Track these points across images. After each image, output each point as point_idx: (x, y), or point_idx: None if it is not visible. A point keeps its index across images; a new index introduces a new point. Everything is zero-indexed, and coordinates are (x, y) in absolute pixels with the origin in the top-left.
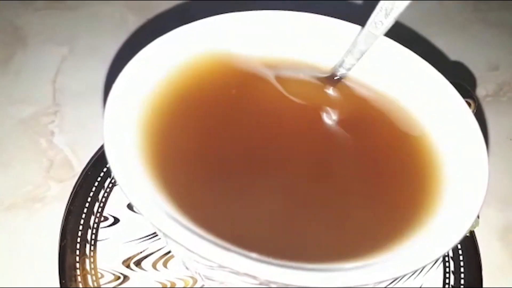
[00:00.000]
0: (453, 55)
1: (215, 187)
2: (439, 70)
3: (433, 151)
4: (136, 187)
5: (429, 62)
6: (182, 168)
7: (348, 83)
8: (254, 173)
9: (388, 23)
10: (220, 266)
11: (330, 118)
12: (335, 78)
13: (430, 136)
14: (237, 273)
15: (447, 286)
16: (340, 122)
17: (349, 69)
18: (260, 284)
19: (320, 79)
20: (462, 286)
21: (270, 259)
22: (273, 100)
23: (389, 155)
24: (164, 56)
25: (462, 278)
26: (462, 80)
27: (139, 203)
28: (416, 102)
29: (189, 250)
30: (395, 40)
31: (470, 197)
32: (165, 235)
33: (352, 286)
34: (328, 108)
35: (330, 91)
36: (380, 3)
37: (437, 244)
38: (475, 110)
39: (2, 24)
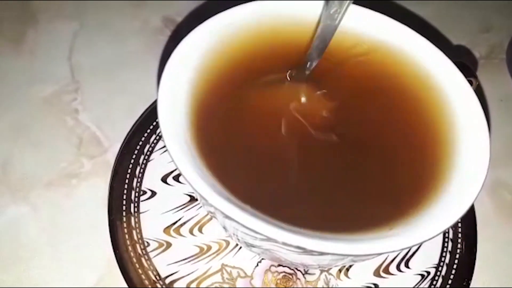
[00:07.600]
0: (446, 18)
1: (251, 159)
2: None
3: (440, 130)
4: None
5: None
6: (225, 141)
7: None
8: (288, 148)
9: (344, 9)
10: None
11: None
12: (306, 71)
13: (438, 114)
14: (275, 242)
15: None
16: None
17: (316, 60)
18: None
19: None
20: (459, 237)
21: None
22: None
23: (401, 130)
24: (219, 31)
25: (459, 232)
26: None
27: (190, 177)
28: (421, 81)
29: (241, 224)
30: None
31: (474, 176)
32: (216, 209)
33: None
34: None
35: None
36: None
37: (452, 209)
38: (475, 87)
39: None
